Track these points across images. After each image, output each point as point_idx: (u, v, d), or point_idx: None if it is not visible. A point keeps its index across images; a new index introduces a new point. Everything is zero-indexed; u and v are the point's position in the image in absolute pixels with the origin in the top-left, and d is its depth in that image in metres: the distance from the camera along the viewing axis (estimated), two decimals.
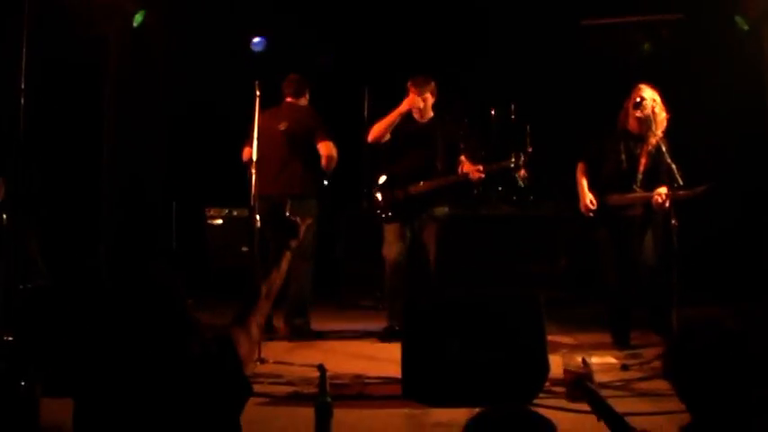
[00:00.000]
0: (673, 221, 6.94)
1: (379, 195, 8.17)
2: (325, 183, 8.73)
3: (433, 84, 8.13)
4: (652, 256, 7.37)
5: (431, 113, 8.18)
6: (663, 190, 7.07)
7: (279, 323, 8.30)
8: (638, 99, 7.25)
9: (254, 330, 3.52)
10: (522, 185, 10.38)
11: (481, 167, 7.97)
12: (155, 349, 3.06)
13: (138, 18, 9.50)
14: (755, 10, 9.36)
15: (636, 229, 7.38)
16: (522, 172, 9.22)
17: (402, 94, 8.10)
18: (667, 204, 7.02)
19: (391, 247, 8.04)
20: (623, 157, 7.39)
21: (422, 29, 11.09)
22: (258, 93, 7.25)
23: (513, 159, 8.03)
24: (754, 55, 9.73)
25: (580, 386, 3.74)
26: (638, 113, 7.26)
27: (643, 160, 7.30)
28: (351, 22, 11.10)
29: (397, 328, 7.58)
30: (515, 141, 10.74)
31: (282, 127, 8.22)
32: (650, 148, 7.26)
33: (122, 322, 3.13)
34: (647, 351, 7.16)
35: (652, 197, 7.14)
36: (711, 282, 9.26)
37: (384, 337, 7.91)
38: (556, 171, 10.85)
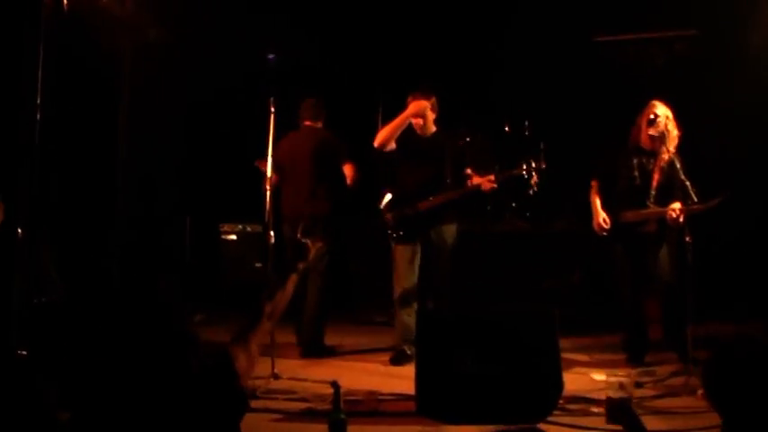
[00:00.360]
0: (687, 238, 6.91)
1: (388, 215, 8.01)
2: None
3: (433, 98, 8.02)
4: (668, 272, 7.36)
5: (433, 128, 8.04)
6: (677, 205, 7.06)
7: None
8: (652, 116, 7.25)
9: (254, 348, 3.54)
10: (535, 191, 10.39)
11: (492, 177, 7.83)
12: (154, 364, 3.08)
13: (153, 35, 9.56)
14: None
15: (651, 246, 7.37)
16: (535, 178, 9.24)
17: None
18: (681, 219, 7.00)
19: (401, 280, 7.85)
20: (636, 173, 7.42)
21: (437, 43, 11.11)
22: (273, 109, 7.28)
23: (524, 167, 8.01)
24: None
25: (624, 409, 3.67)
26: (652, 131, 7.26)
27: (656, 176, 7.32)
28: (366, 36, 11.13)
29: (408, 353, 7.56)
30: (530, 158, 10.76)
31: (308, 150, 8.31)
32: (663, 164, 7.26)
33: (123, 337, 3.15)
34: (661, 368, 7.14)
35: (666, 212, 7.13)
36: (727, 298, 9.23)
37: (395, 361, 7.75)
38: (570, 187, 10.88)
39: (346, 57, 11.31)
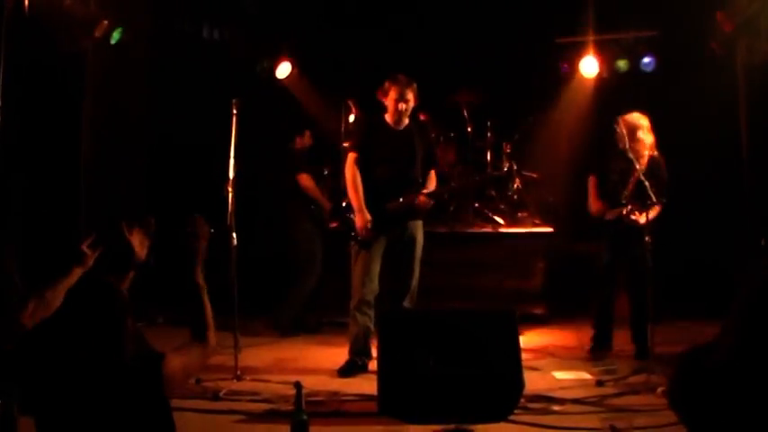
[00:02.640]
0: (647, 238, 7.02)
1: (353, 217, 7.52)
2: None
3: (415, 85, 7.56)
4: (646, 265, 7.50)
5: (407, 120, 7.63)
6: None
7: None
8: (630, 128, 7.51)
9: (189, 361, 3.53)
10: (512, 191, 10.48)
11: (425, 194, 7.56)
12: (89, 355, 3.14)
13: (115, 35, 9.49)
14: (729, 26, 9.45)
15: (633, 240, 7.43)
16: (517, 182, 9.33)
17: (378, 107, 7.85)
18: (638, 218, 7.25)
19: (364, 286, 7.50)
20: (617, 177, 7.69)
21: (401, 45, 11.14)
22: (235, 111, 7.27)
23: (506, 167, 8.05)
24: (728, 69, 9.85)
25: None
26: (622, 146, 7.47)
27: (633, 179, 7.48)
28: (332, 34, 11.17)
29: (359, 363, 7.42)
30: (492, 158, 10.83)
31: None
32: (640, 167, 7.37)
33: (73, 333, 3.20)
34: (622, 367, 7.20)
35: (622, 212, 7.47)
36: (685, 297, 9.35)
37: (345, 372, 7.41)
38: (531, 187, 10.97)
39: (317, 57, 11.35)
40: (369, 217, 7.39)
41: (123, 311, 3.26)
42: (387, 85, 7.59)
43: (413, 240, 7.62)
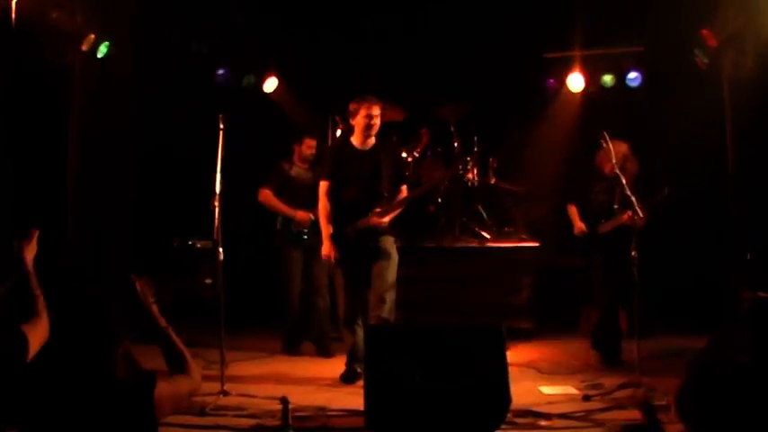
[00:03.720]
0: (633, 253, 7.06)
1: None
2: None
3: (381, 103, 7.78)
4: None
5: (373, 140, 7.78)
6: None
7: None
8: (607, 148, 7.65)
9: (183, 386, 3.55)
10: (474, 186, 10.48)
11: (376, 212, 7.63)
12: (78, 372, 3.15)
13: (102, 49, 9.49)
14: (714, 41, 9.51)
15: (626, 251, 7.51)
16: (471, 175, 9.36)
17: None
18: (640, 220, 7.47)
19: (347, 302, 7.84)
20: (605, 196, 8.20)
21: (387, 60, 11.17)
22: (222, 125, 7.28)
23: (459, 165, 8.15)
24: (714, 84, 9.90)
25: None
26: (608, 166, 7.72)
27: (618, 196, 7.87)
28: (318, 49, 11.18)
29: (359, 371, 7.46)
30: (479, 174, 10.83)
31: None
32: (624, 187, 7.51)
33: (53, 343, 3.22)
34: (608, 381, 7.21)
35: (626, 213, 7.74)
36: (671, 311, 9.39)
37: (348, 379, 7.64)
38: (519, 202, 10.98)
39: (304, 72, 11.36)
40: (331, 249, 7.67)
41: (114, 328, 3.27)
42: (354, 105, 7.75)
43: (383, 254, 7.69)
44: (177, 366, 3.53)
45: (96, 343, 3.22)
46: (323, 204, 7.79)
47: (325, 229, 7.71)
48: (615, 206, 7.97)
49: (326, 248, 7.66)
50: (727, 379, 2.55)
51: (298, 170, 9.10)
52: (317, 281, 8.89)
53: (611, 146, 7.47)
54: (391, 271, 7.66)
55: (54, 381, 3.16)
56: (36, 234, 4.01)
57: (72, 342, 3.21)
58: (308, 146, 9.11)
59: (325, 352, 8.83)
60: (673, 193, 7.79)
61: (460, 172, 8.09)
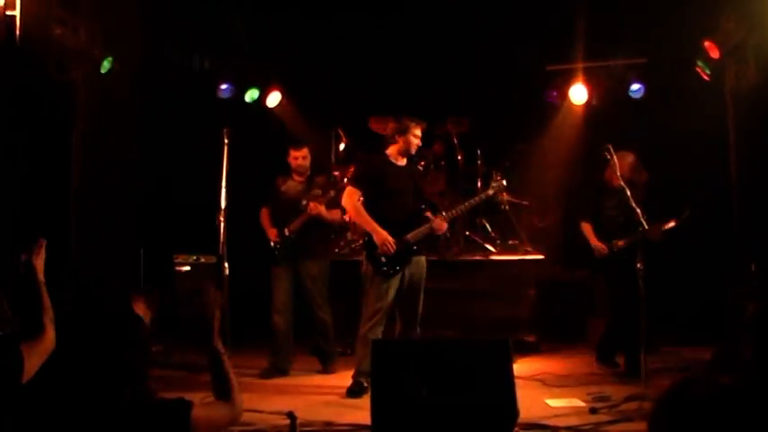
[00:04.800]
0: (638, 265, 7.05)
1: (383, 257, 7.65)
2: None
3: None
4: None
5: (405, 158, 7.97)
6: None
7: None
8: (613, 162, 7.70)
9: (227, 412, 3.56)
10: (505, 208, 10.49)
11: (442, 218, 7.85)
12: (87, 388, 3.15)
13: (105, 65, 9.51)
14: (717, 53, 9.52)
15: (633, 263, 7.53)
16: (505, 195, 9.38)
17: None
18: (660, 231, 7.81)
19: (377, 315, 7.66)
20: (616, 212, 8.23)
21: (391, 72, 11.20)
22: (226, 140, 7.29)
23: (493, 184, 8.20)
24: (716, 96, 9.91)
25: None
26: (615, 177, 7.76)
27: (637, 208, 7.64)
28: (321, 63, 11.20)
29: (365, 385, 7.46)
30: (483, 185, 10.83)
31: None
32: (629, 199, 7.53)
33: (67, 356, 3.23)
34: (615, 394, 7.19)
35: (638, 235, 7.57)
36: (677, 323, 9.38)
37: (354, 393, 7.59)
38: (521, 214, 10.97)
39: (306, 86, 11.38)
40: (386, 234, 7.60)
41: (145, 341, 3.30)
42: (407, 122, 7.86)
43: (422, 270, 7.86)
44: (222, 393, 3.55)
45: (127, 362, 3.22)
46: (353, 204, 7.84)
47: (370, 222, 7.71)
48: (641, 219, 7.64)
49: (380, 236, 7.59)
50: (698, 401, 2.51)
51: (290, 184, 8.90)
52: (308, 294, 8.72)
53: (615, 159, 7.46)
54: (423, 286, 7.87)
55: (82, 401, 3.16)
56: (44, 244, 4.02)
57: (103, 354, 3.21)
58: (294, 157, 8.83)
59: (325, 367, 8.82)
60: (692, 215, 7.91)
61: (492, 191, 8.20)
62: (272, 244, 8.65)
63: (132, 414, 3.15)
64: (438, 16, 11.00)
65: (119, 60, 9.66)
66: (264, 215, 8.86)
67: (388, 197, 7.79)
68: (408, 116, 7.89)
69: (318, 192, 8.64)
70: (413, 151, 7.94)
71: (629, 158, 7.99)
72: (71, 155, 9.63)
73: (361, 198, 7.87)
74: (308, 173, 8.89)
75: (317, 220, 8.57)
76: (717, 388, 2.51)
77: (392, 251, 7.57)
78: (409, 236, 7.69)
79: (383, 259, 7.63)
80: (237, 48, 10.94)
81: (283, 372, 8.63)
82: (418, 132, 7.85)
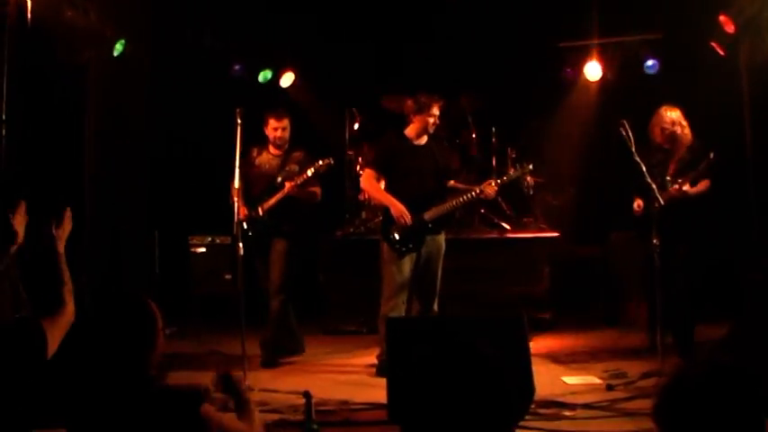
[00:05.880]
0: (654, 241, 7.00)
1: (396, 235, 7.62)
2: None
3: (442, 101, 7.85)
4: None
5: (426, 137, 7.86)
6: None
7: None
8: (663, 126, 7.87)
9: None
10: (531, 192, 10.46)
11: (492, 182, 7.82)
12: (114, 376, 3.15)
13: (118, 47, 9.49)
14: (732, 27, 9.43)
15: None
16: (529, 179, 9.31)
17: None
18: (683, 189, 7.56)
19: (395, 295, 7.61)
20: (658, 170, 7.74)
21: (403, 52, 11.16)
22: (240, 120, 7.27)
23: (518, 167, 8.13)
24: (731, 71, 9.82)
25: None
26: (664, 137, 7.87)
27: (672, 168, 7.80)
28: (334, 43, 11.15)
29: None
30: (497, 164, 10.81)
31: None
32: (680, 157, 7.78)
33: (92, 350, 3.23)
34: (631, 370, 7.17)
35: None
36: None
37: (384, 371, 7.16)
38: (535, 192, 10.92)
39: (319, 66, 11.35)
40: (402, 206, 7.57)
41: (156, 326, 3.30)
42: (425, 100, 7.74)
43: (439, 249, 7.82)
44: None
45: (136, 346, 3.23)
46: (370, 183, 7.89)
47: (386, 196, 7.72)
48: (668, 178, 7.61)
49: (397, 208, 7.58)
50: (697, 383, 2.49)
51: (265, 157, 8.34)
52: (269, 275, 8.20)
53: (630, 135, 7.32)
54: (441, 265, 7.84)
55: (93, 387, 3.17)
56: (69, 215, 4.03)
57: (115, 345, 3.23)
58: (274, 127, 8.23)
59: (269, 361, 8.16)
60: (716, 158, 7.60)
61: (523, 172, 8.17)
62: (239, 220, 7.62)
63: (138, 404, 3.14)
64: None
65: (130, 42, 9.63)
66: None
67: (404, 177, 7.75)
68: (426, 94, 7.78)
69: (295, 168, 8.12)
70: (431, 130, 7.82)
71: (675, 114, 7.97)
72: (84, 137, 9.63)
73: (383, 180, 7.87)
74: (287, 146, 8.34)
75: (293, 199, 8.08)
76: (716, 368, 2.49)
77: (409, 223, 7.54)
78: (426, 214, 7.65)
79: (397, 236, 7.61)
80: (251, 28, 10.87)
81: (291, 352, 8.37)
82: (436, 111, 7.73)
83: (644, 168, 7.24)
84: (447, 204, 7.77)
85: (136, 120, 10.39)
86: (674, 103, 8.18)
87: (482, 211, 10.57)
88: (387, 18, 11.06)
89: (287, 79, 11.30)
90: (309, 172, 7.97)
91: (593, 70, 10.83)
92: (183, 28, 10.44)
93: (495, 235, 10.34)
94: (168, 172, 10.91)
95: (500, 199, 10.74)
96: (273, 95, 11.11)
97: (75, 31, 8.85)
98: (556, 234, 10.20)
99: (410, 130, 7.84)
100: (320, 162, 7.93)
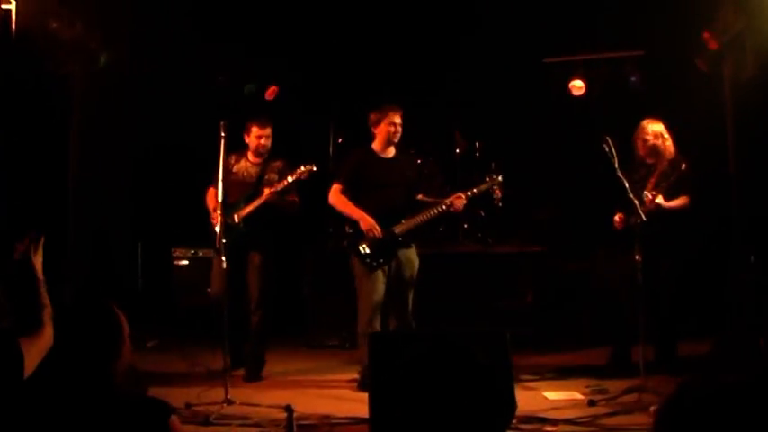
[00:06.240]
0: (636, 256, 7.01)
1: (366, 248, 7.62)
2: None
3: (401, 111, 7.79)
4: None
5: (394, 149, 7.88)
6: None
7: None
8: (645, 138, 7.96)
9: None
10: (499, 205, 10.44)
11: (461, 195, 7.75)
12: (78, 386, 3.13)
13: (103, 60, 9.47)
14: (715, 44, 9.47)
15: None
16: (498, 192, 9.29)
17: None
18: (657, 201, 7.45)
19: (369, 310, 7.59)
20: (639, 185, 7.67)
21: (389, 63, 11.17)
22: (223, 133, 7.24)
23: (487, 180, 8.11)
24: (715, 87, 9.87)
25: None
26: (646, 150, 7.93)
27: (652, 181, 7.69)
28: (316, 53, 11.14)
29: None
30: (480, 178, 10.80)
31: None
32: (663, 170, 7.70)
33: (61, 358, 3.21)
34: (613, 386, 7.17)
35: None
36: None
37: (365, 386, 7.07)
38: (519, 207, 10.93)
39: (300, 77, 11.33)
40: (372, 220, 7.56)
41: (120, 333, 3.26)
42: (375, 115, 7.80)
43: (412, 262, 7.81)
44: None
45: (98, 354, 3.20)
46: (337, 198, 7.81)
47: (355, 210, 7.68)
48: (645, 192, 7.47)
49: (366, 222, 7.56)
50: (701, 402, 2.48)
51: (243, 165, 8.23)
52: (247, 289, 8.12)
53: (614, 150, 7.32)
54: (415, 280, 7.83)
55: (56, 396, 3.13)
56: (42, 241, 3.97)
57: (76, 353, 3.19)
58: (257, 135, 8.14)
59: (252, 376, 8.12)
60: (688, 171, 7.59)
61: (488, 187, 8.09)
62: (214, 228, 7.49)
63: (102, 414, 3.11)
64: (435, 8, 10.95)
65: (115, 53, 9.61)
66: (211, 196, 7.95)
67: (373, 190, 7.75)
68: (381, 106, 7.81)
69: (274, 177, 8.08)
70: (395, 140, 7.80)
71: (658, 127, 8.04)
72: (68, 148, 9.61)
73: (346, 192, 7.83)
74: (267, 155, 8.25)
75: (271, 208, 8.01)
76: (719, 388, 2.49)
77: (379, 236, 7.53)
78: (396, 228, 7.65)
79: (367, 250, 7.61)
80: (236, 41, 10.86)
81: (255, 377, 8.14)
82: (396, 119, 7.72)
83: (626, 185, 7.26)
84: (417, 218, 7.74)
85: (120, 130, 10.37)
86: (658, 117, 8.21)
87: (465, 225, 10.57)
88: (372, 32, 11.06)
89: (271, 92, 11.27)
90: (290, 178, 7.93)
91: (577, 86, 10.86)
92: (168, 38, 10.42)
93: (477, 249, 10.33)
94: (152, 184, 10.89)
95: (483, 213, 10.75)
96: (257, 107, 11.11)
97: (61, 43, 8.84)
98: (540, 248, 10.19)
99: (376, 144, 7.87)
100: (302, 168, 7.91)
